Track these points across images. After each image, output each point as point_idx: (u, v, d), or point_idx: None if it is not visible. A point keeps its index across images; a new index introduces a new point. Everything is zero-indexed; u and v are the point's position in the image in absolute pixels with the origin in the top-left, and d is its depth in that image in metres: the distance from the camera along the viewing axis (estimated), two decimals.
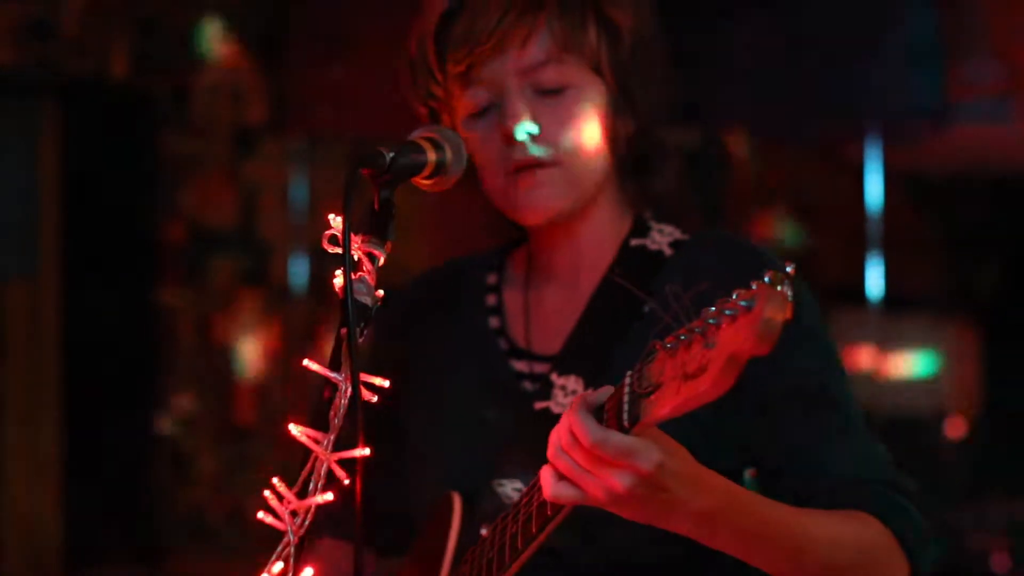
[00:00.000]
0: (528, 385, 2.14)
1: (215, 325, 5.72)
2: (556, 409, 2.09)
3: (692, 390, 1.53)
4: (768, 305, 1.44)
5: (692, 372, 1.52)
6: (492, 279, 2.26)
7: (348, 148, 5.72)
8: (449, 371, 2.20)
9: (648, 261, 2.14)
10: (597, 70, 2.11)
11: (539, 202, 2.07)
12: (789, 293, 1.45)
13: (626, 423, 1.63)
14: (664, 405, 1.57)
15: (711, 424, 1.93)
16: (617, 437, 1.64)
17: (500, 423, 2.14)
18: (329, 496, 1.62)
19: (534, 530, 1.80)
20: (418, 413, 2.21)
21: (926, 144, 5.34)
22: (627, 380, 1.64)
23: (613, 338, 2.09)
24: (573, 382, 2.10)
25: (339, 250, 1.69)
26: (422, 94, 2.18)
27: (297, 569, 1.58)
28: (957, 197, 6.55)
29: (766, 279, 1.45)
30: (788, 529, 1.83)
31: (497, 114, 2.08)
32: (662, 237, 2.18)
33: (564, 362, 2.12)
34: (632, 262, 2.15)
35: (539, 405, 2.11)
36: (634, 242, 2.17)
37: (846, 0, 4.88)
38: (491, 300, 2.24)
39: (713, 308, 1.51)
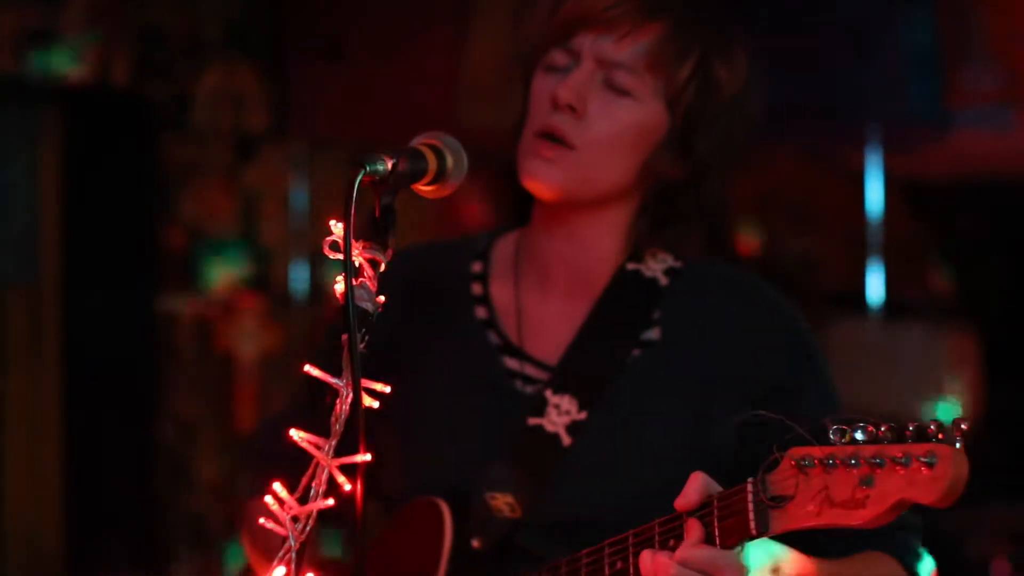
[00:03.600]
0: (519, 384, 2.17)
1: (215, 331, 5.72)
2: (549, 428, 2.13)
3: (841, 519, 1.65)
4: (954, 470, 1.57)
5: (841, 501, 1.64)
6: (477, 267, 2.28)
7: (348, 155, 5.73)
8: (433, 354, 2.19)
9: (644, 289, 2.19)
10: (671, 104, 2.16)
11: (541, 173, 2.13)
12: (966, 449, 1.58)
13: (753, 531, 1.73)
14: (800, 520, 1.69)
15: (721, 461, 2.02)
16: (705, 552, 1.75)
17: (490, 428, 2.16)
18: (330, 502, 1.63)
19: None
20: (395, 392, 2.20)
21: (926, 151, 5.34)
22: (748, 488, 1.73)
23: (612, 366, 2.14)
24: (567, 402, 2.13)
25: (340, 256, 1.70)
26: (521, 36, 2.25)
27: (299, 574, 1.59)
28: (957, 204, 6.55)
29: (939, 436, 1.58)
30: None
31: (561, 78, 2.15)
32: (656, 264, 2.22)
33: (560, 380, 2.15)
34: (628, 287, 2.19)
35: (532, 421, 2.14)
36: (630, 266, 2.21)
37: (845, 6, 4.88)
38: (477, 289, 2.26)
39: (859, 436, 1.63)
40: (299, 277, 5.80)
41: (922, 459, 1.57)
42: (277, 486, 1.64)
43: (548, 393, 2.14)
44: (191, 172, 5.68)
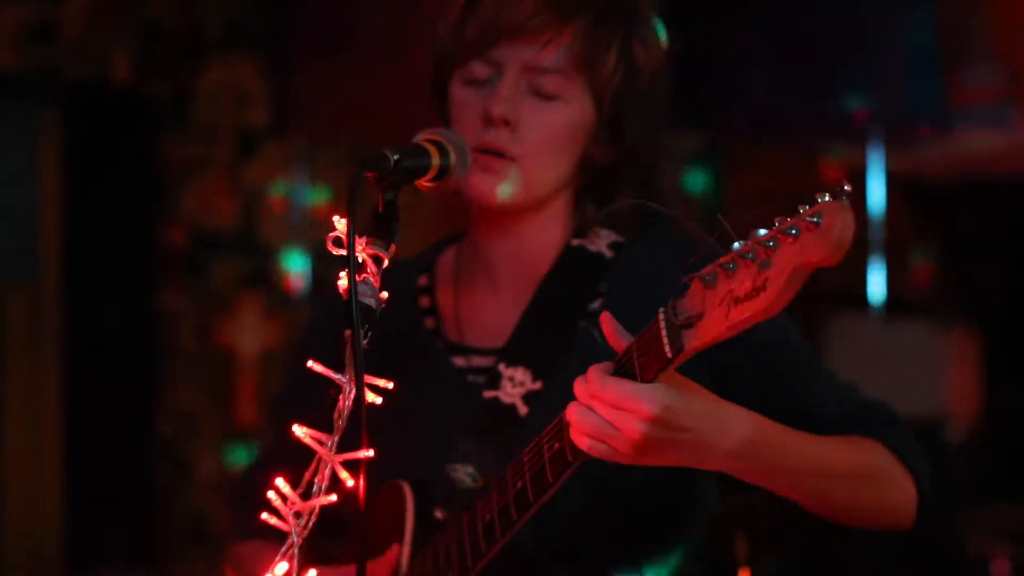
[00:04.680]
0: (471, 377, 2.19)
1: (216, 328, 5.72)
2: (505, 399, 2.15)
3: (746, 310, 1.60)
4: (840, 219, 1.54)
5: (744, 294, 1.61)
6: (423, 281, 2.29)
7: (350, 151, 5.73)
8: (393, 373, 2.21)
9: (590, 262, 2.21)
10: (599, 95, 2.17)
11: (488, 188, 2.13)
12: (851, 205, 1.55)
13: (669, 353, 1.69)
14: (711, 330, 1.65)
15: None
16: (615, 382, 1.73)
17: (448, 413, 2.17)
18: (332, 497, 1.63)
19: (550, 479, 1.86)
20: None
21: (927, 149, 5.35)
22: (660, 316, 1.71)
23: (561, 334, 2.16)
24: (521, 374, 2.15)
25: (343, 252, 1.70)
26: (435, 41, 2.23)
27: (301, 570, 1.59)
28: (958, 202, 6.55)
29: (826, 196, 1.55)
30: (812, 456, 1.91)
31: (486, 92, 2.13)
32: (600, 239, 2.24)
33: (511, 354, 2.17)
34: (574, 263, 2.21)
35: (488, 394, 2.16)
36: (575, 243, 2.23)
37: (848, 4, 4.88)
38: (424, 302, 2.28)
39: (761, 232, 1.60)
40: (300, 273, 5.80)
41: (810, 220, 1.55)
42: (280, 481, 1.65)
43: (501, 367, 2.16)
44: (192, 169, 5.68)
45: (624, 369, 1.76)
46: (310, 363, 1.69)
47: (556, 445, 1.84)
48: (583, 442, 1.76)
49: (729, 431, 1.79)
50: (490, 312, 2.23)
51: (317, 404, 2.16)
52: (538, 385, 2.14)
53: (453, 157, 1.87)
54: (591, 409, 1.75)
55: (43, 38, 5.28)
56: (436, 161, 1.86)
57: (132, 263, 5.55)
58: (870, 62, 4.80)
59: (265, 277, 5.81)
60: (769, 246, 1.58)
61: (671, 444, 1.75)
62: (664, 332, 1.70)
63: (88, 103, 5.43)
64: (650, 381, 1.73)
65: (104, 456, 5.36)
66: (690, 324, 1.67)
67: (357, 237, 1.73)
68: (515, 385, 2.15)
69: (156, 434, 5.57)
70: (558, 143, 2.15)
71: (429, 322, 2.26)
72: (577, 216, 2.23)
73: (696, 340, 1.66)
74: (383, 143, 1.85)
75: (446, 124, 2.19)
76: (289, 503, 1.63)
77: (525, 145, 2.12)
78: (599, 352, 2.13)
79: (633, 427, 1.72)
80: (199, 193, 5.69)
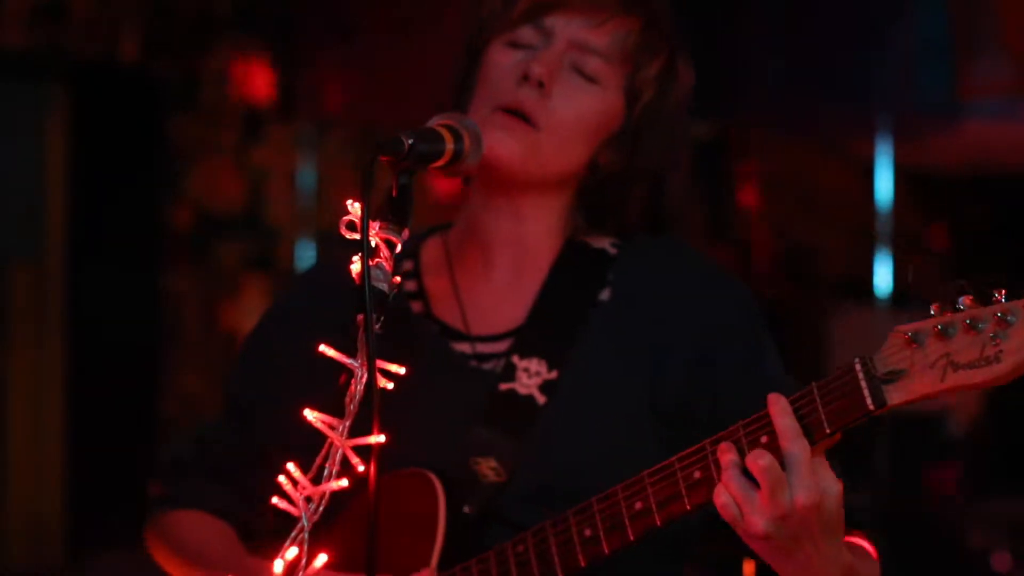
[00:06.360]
0: (476, 364, 2.18)
1: (221, 310, 5.72)
2: (522, 390, 2.14)
3: (971, 378, 1.64)
4: None
5: (967, 362, 1.64)
6: (408, 266, 2.27)
7: (356, 134, 5.73)
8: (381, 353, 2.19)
9: (594, 256, 2.21)
10: (631, 99, 2.18)
11: (502, 145, 2.11)
12: None
13: (871, 405, 1.70)
14: (920, 390, 1.67)
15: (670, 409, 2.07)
16: (773, 465, 1.72)
17: (462, 403, 2.16)
18: (344, 482, 1.62)
19: (687, 507, 1.86)
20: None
21: (936, 141, 5.34)
22: (857, 365, 1.71)
23: (572, 323, 2.16)
24: (536, 364, 2.14)
25: (357, 236, 1.69)
26: (482, 7, 2.22)
27: (311, 555, 1.58)
28: (966, 194, 6.54)
29: None
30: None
31: (529, 54, 2.14)
32: (602, 239, 2.24)
33: (525, 344, 2.16)
34: (578, 257, 2.21)
35: (504, 386, 2.15)
36: (576, 238, 2.23)
37: None
38: (410, 286, 2.25)
39: (966, 307, 1.64)
40: (305, 256, 5.80)
41: None
42: (291, 466, 1.64)
43: (515, 359, 2.15)
44: (198, 150, 5.67)
45: (803, 415, 1.75)
46: (321, 347, 1.68)
47: (697, 474, 1.84)
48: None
49: (842, 551, 1.80)
50: (487, 298, 2.22)
51: (275, 389, 2.17)
52: (554, 374, 2.13)
53: (467, 142, 1.86)
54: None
55: (52, 17, 5.28)
56: (450, 146, 1.84)
57: (137, 243, 5.55)
58: (881, 52, 4.79)
59: (270, 260, 5.81)
60: (1008, 320, 1.61)
61: (789, 538, 1.75)
62: (864, 383, 1.70)
63: (96, 83, 5.43)
64: (840, 428, 1.73)
65: (107, 436, 5.36)
66: (891, 379, 1.68)
67: (371, 221, 1.72)
68: (531, 376, 2.14)
69: (159, 414, 5.57)
70: (582, 127, 2.15)
71: (416, 305, 2.23)
72: (574, 216, 2.22)
73: (901, 397, 1.68)
74: (389, 128, 1.84)
75: (468, 89, 2.19)
76: (300, 487, 1.62)
77: (553, 117, 2.12)
78: (610, 339, 2.14)
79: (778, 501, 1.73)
80: (205, 175, 5.68)
